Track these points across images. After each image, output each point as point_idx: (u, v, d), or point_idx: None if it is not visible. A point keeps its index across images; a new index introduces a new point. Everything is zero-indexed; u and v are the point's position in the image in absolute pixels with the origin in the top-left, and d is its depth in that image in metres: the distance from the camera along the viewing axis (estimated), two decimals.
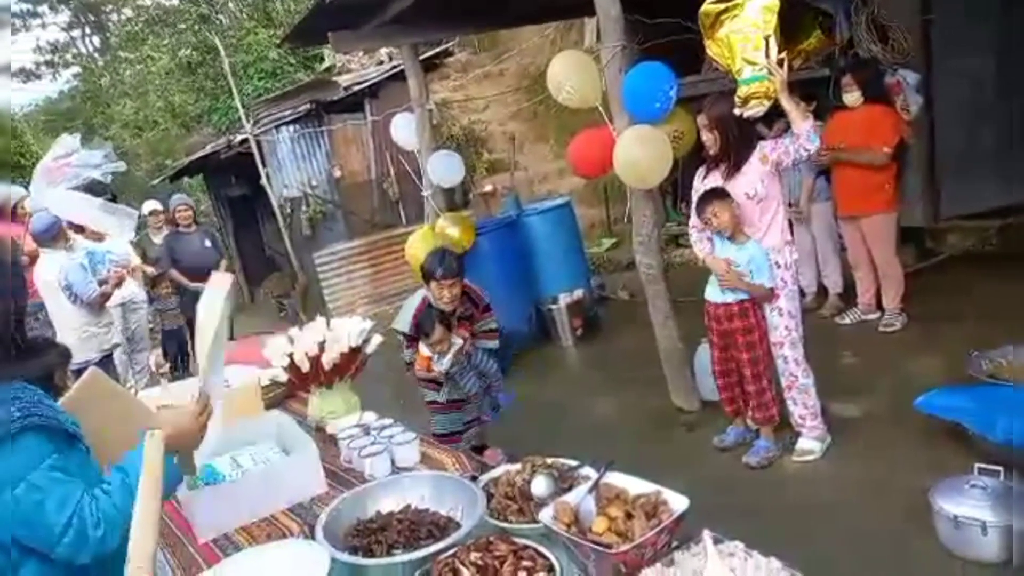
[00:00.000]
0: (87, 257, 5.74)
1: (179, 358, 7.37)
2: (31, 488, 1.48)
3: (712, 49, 3.60)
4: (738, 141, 3.72)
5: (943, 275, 5.71)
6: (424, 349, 3.75)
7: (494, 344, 4.04)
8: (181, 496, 2.32)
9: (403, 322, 3.82)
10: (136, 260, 6.63)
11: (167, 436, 1.65)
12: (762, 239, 3.72)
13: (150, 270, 7.02)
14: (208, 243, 7.07)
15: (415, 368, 3.83)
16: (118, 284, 5.60)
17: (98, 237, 5.85)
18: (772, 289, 3.68)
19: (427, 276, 3.73)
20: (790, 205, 5.46)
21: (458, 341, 3.76)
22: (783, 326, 3.77)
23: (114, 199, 7.66)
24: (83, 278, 5.20)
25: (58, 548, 1.50)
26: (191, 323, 7.15)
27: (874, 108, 4.98)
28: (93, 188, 6.69)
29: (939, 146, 5.93)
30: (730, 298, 3.74)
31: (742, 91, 3.49)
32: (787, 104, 3.52)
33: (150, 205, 7.55)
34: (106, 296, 5.37)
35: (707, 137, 3.78)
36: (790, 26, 4.05)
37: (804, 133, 3.56)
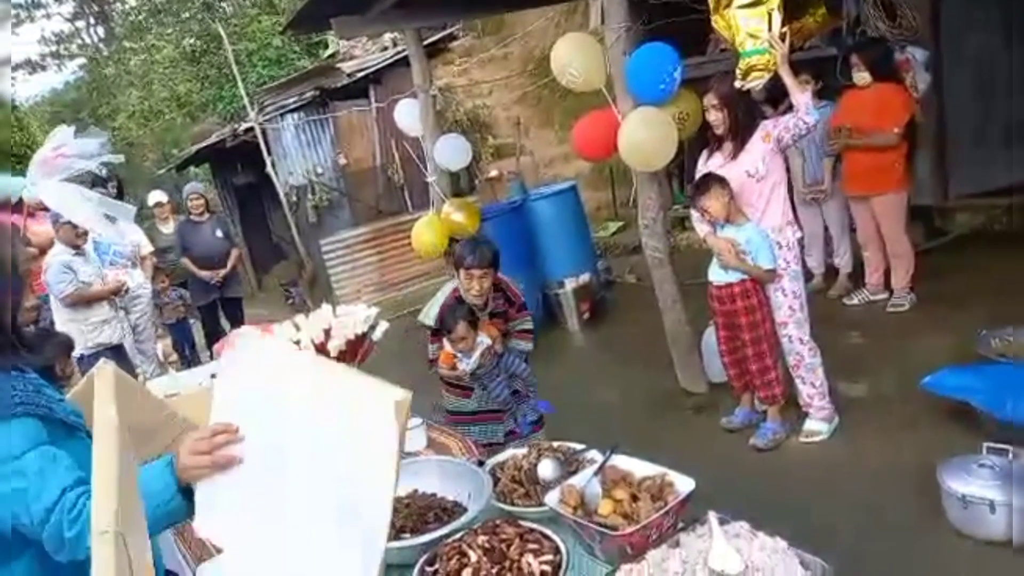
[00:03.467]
0: (92, 247, 5.77)
1: (184, 348, 7.40)
2: (16, 475, 1.46)
3: (719, 23, 3.60)
4: (744, 119, 3.72)
5: (952, 254, 5.68)
6: (447, 345, 3.42)
7: (528, 346, 3.63)
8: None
9: (429, 315, 3.52)
10: (148, 247, 6.64)
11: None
12: (761, 219, 3.72)
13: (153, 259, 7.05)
14: (220, 232, 7.09)
15: (438, 365, 3.48)
16: (115, 293, 5.58)
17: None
18: (773, 270, 3.68)
19: (457, 264, 3.42)
20: (812, 184, 5.43)
21: (486, 340, 3.38)
22: (787, 306, 3.76)
23: (119, 189, 7.67)
24: (58, 277, 5.18)
25: (42, 540, 1.46)
26: (201, 311, 7.19)
27: (884, 87, 4.92)
28: (97, 179, 6.69)
29: (948, 124, 5.88)
30: (732, 278, 3.74)
31: (743, 64, 3.51)
32: (786, 78, 3.55)
33: (155, 197, 7.57)
34: (84, 297, 5.35)
35: (715, 116, 3.77)
36: (795, 2, 4.03)
37: (803, 106, 3.57)
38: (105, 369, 1.49)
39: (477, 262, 3.31)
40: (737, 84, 3.60)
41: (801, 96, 3.59)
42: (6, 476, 1.45)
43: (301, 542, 1.48)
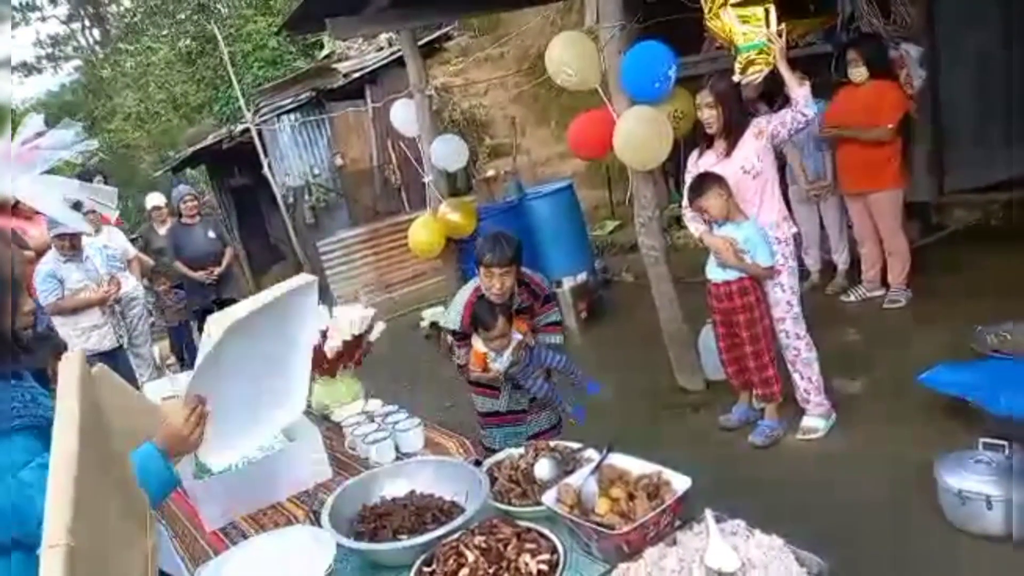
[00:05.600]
0: (96, 251, 5.77)
1: (184, 351, 7.39)
2: (21, 485, 1.48)
3: (714, 24, 3.60)
4: (738, 117, 3.74)
5: (948, 250, 5.69)
6: (479, 345, 3.18)
7: (558, 338, 3.45)
8: (188, 486, 2.34)
9: (452, 319, 3.24)
10: (132, 250, 6.63)
11: (160, 441, 1.69)
12: (758, 215, 3.73)
13: (149, 261, 7.04)
14: (212, 233, 7.07)
15: (468, 369, 3.27)
16: (103, 302, 5.57)
17: (96, 227, 5.90)
18: (772, 267, 3.68)
19: (477, 261, 3.17)
20: (815, 181, 5.42)
21: (517, 336, 3.18)
22: (784, 301, 3.77)
23: (105, 182, 7.64)
24: (42, 286, 5.15)
25: None
26: (197, 313, 7.18)
27: (878, 84, 4.92)
28: (83, 177, 6.69)
29: (944, 120, 5.89)
30: (730, 276, 3.74)
31: (742, 58, 3.52)
32: (785, 72, 3.58)
33: (153, 200, 7.55)
34: (67, 308, 5.32)
35: (709, 114, 3.77)
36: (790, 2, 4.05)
37: (802, 99, 3.58)
38: (72, 357, 1.43)
39: (497, 259, 3.06)
40: (736, 78, 3.61)
41: (800, 89, 3.59)
42: (10, 488, 1.47)
43: (269, 401, 2.15)
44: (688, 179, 3.87)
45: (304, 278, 2.12)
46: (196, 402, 1.82)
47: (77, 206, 3.96)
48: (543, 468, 2.08)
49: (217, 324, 1.83)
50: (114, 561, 1.29)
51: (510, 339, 3.15)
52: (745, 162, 3.70)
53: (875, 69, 4.92)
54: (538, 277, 3.40)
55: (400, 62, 8.06)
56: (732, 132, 3.74)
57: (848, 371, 4.34)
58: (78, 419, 1.27)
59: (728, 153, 3.75)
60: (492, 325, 3.07)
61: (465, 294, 3.24)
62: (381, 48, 10.56)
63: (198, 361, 1.87)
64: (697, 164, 3.90)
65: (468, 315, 3.15)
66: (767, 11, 3.49)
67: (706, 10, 3.60)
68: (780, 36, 3.50)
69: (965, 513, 2.87)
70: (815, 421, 3.89)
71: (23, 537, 1.50)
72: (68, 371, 1.38)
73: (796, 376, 3.90)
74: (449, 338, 3.35)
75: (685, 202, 3.91)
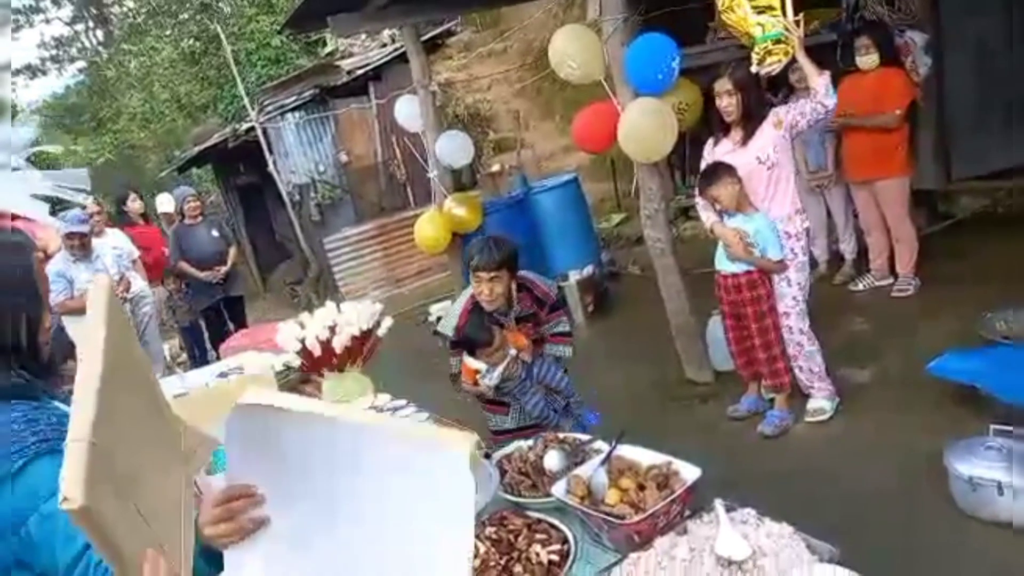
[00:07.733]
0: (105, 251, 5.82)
1: (195, 350, 7.43)
2: (43, 519, 1.31)
3: (729, 16, 3.58)
4: (757, 105, 3.73)
5: (955, 238, 5.67)
6: (470, 361, 2.93)
7: (567, 350, 3.19)
8: (201, 481, 2.35)
9: (448, 325, 3.08)
10: (135, 251, 6.67)
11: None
12: (769, 208, 3.71)
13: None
14: (215, 232, 7.08)
15: (461, 382, 3.06)
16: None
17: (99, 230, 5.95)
18: (782, 261, 3.67)
19: (466, 264, 2.98)
20: (816, 171, 5.41)
21: (511, 351, 2.93)
22: (790, 296, 3.77)
23: (139, 198, 7.68)
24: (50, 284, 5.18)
25: None
26: (204, 313, 7.21)
27: (884, 71, 4.89)
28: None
29: (949, 108, 5.86)
30: (739, 269, 3.74)
31: (759, 48, 3.49)
32: (804, 61, 3.55)
33: (164, 205, 7.57)
34: (71, 308, 5.27)
35: (727, 102, 3.74)
36: None
37: (822, 89, 3.56)
38: (101, 282, 1.26)
39: (484, 263, 2.85)
40: (754, 69, 3.59)
41: (820, 79, 3.57)
42: (34, 522, 1.32)
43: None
44: (704, 166, 3.87)
45: (457, 440, 1.24)
46: (238, 493, 1.27)
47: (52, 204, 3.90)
48: (553, 460, 2.10)
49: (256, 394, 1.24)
50: (148, 481, 1.16)
51: (506, 352, 2.93)
52: (760, 152, 3.69)
53: (882, 56, 4.89)
54: (545, 284, 3.17)
55: (403, 58, 8.05)
56: (750, 121, 3.73)
57: (857, 360, 4.33)
58: (103, 343, 1.17)
59: (744, 142, 3.75)
60: (490, 341, 2.86)
61: (462, 301, 3.08)
62: (384, 45, 10.56)
63: (224, 439, 1.27)
64: (713, 152, 3.89)
65: (463, 323, 2.99)
66: (783, 1, 3.48)
67: (720, 5, 3.58)
68: (797, 26, 3.48)
69: (976, 500, 2.86)
70: (821, 402, 3.89)
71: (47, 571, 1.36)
72: (97, 298, 1.24)
73: (797, 370, 3.91)
74: (447, 343, 3.16)
75: (697, 191, 3.91)
